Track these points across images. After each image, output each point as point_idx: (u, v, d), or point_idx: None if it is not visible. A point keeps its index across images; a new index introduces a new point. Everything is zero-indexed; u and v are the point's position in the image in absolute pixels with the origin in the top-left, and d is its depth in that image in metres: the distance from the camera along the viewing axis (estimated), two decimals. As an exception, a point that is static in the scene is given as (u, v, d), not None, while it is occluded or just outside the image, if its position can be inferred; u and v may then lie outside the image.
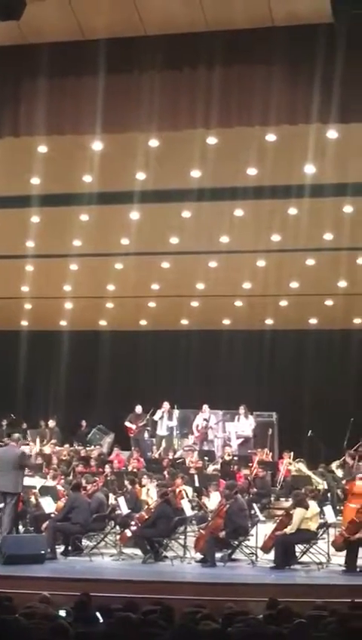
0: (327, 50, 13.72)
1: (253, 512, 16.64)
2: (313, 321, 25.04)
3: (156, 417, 23.64)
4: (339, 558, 15.47)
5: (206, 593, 12.79)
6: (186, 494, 17.65)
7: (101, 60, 14.58)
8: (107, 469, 19.66)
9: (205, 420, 23.39)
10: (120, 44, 14.75)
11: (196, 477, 19.16)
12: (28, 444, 23.19)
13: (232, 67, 14.41)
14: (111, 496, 17.63)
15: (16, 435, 17.64)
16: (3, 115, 15.37)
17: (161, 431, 23.64)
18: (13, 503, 16.02)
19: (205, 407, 23.41)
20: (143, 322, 26.16)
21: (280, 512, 17.23)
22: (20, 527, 17.32)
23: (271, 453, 22.36)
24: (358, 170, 17.45)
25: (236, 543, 15.91)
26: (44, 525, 16.52)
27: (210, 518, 16.28)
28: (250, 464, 20.60)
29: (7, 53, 15.12)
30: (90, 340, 26.27)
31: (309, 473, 19.67)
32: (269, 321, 25.18)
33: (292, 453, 21.28)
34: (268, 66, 14.23)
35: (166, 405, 23.51)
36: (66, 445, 23.81)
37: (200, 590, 13.38)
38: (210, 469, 20.40)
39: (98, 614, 8.34)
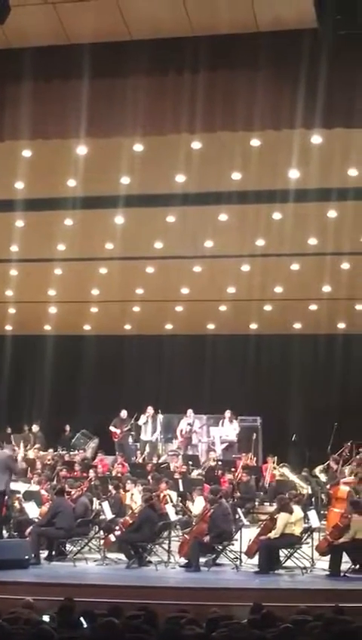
0: (311, 55, 13.76)
1: (237, 516, 16.64)
2: (297, 325, 25.07)
3: (140, 422, 23.63)
4: (323, 563, 15.50)
5: (190, 598, 12.79)
6: (170, 499, 17.64)
7: (86, 65, 14.58)
8: (91, 473, 19.63)
9: (189, 424, 23.40)
10: (105, 49, 14.75)
11: (180, 482, 19.15)
12: (14, 450, 23.16)
13: (217, 72, 14.44)
14: (96, 501, 17.61)
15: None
16: (-13, 120, 15.37)
17: (145, 436, 23.63)
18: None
19: (189, 411, 23.42)
20: (128, 327, 26.13)
21: (264, 517, 17.24)
22: (4, 532, 17.26)
23: (255, 458, 22.37)
24: (342, 176, 17.50)
25: (220, 547, 15.92)
26: (28, 530, 16.48)
27: (194, 523, 16.29)
28: (233, 469, 20.60)
29: (-9, 57, 15.11)
30: (74, 345, 26.22)
31: (293, 478, 19.70)
32: (253, 326, 25.18)
33: (276, 458, 21.31)
34: (253, 71, 14.26)
35: (150, 410, 23.50)
36: (50, 450, 23.76)
37: (184, 595, 13.37)
38: (195, 473, 20.40)
39: (82, 619, 8.33)
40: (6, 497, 16.70)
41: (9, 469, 16.49)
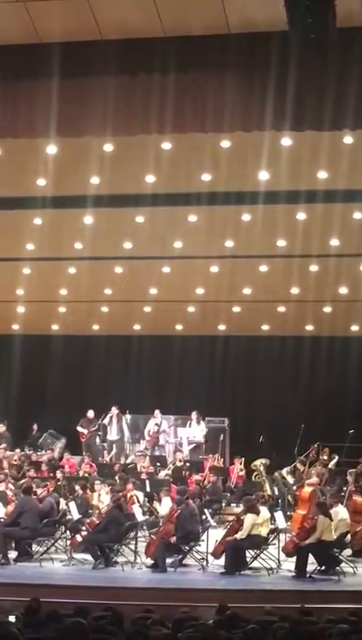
0: (282, 58, 13.82)
1: (204, 517, 16.64)
2: (265, 327, 25.12)
3: (105, 422, 23.59)
4: (289, 564, 15.54)
5: (156, 599, 12.78)
6: (137, 499, 17.62)
7: (56, 64, 14.55)
8: (58, 473, 19.56)
9: (157, 424, 23.39)
10: (75, 48, 14.74)
11: (147, 482, 19.14)
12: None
13: (187, 73, 14.47)
14: (62, 501, 17.55)
15: None
16: None
17: (111, 436, 23.60)
18: None
19: (157, 412, 23.41)
20: (96, 327, 26.07)
21: (231, 518, 17.25)
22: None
23: (222, 459, 22.40)
24: (311, 178, 17.58)
25: (187, 548, 15.91)
26: (-6, 530, 16.40)
27: (161, 524, 16.27)
28: (201, 470, 20.60)
29: None
30: (42, 344, 26.11)
31: (265, 478, 19.78)
32: (222, 327, 25.21)
33: (243, 459, 21.35)
34: (223, 72, 14.30)
35: (114, 410, 23.48)
36: (17, 450, 23.64)
37: (150, 596, 13.38)
38: (162, 474, 20.38)
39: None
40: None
41: None
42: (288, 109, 13.88)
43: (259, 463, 20.50)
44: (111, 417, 23.53)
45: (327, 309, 23.61)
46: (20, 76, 14.98)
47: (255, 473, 20.49)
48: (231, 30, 14.24)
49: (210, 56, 14.31)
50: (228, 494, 20.57)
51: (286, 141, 15.83)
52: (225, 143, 16.23)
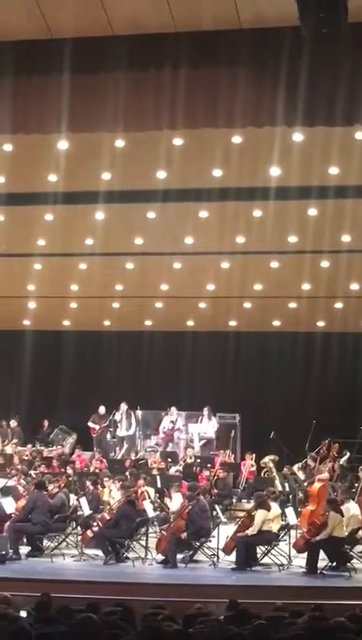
0: (294, 53, 13.76)
1: (214, 513, 16.66)
2: (276, 323, 25.10)
3: (116, 418, 23.62)
4: (300, 560, 15.55)
5: (167, 594, 12.79)
6: (148, 495, 17.64)
7: (67, 60, 14.53)
8: (69, 469, 19.60)
9: (172, 422, 23.39)
10: (87, 44, 14.72)
11: (158, 478, 19.15)
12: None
13: (198, 69, 14.43)
14: (73, 497, 17.59)
15: None
16: (-32, 114, 15.28)
17: (121, 432, 23.62)
18: None
19: (173, 409, 23.41)
20: (107, 323, 26.09)
21: (241, 514, 17.28)
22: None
23: (233, 455, 22.39)
24: (323, 173, 17.53)
25: (198, 544, 15.94)
26: (5, 526, 16.43)
27: (171, 520, 16.29)
28: (211, 466, 20.59)
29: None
30: (53, 340, 26.18)
31: (275, 474, 19.76)
32: (233, 323, 25.21)
33: (254, 455, 21.34)
34: (234, 68, 14.26)
35: (123, 406, 23.50)
36: (29, 445, 23.70)
37: (161, 591, 13.38)
38: (173, 470, 20.40)
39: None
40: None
41: None
42: (299, 105, 13.83)
43: (268, 460, 20.49)
44: (121, 413, 23.55)
45: (338, 305, 23.56)
46: (32, 72, 14.96)
47: (264, 470, 20.48)
48: (243, 25, 14.21)
49: (222, 52, 14.28)
50: (239, 490, 20.58)
51: (297, 136, 15.78)
52: (237, 139, 16.18)
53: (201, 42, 14.40)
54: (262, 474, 20.47)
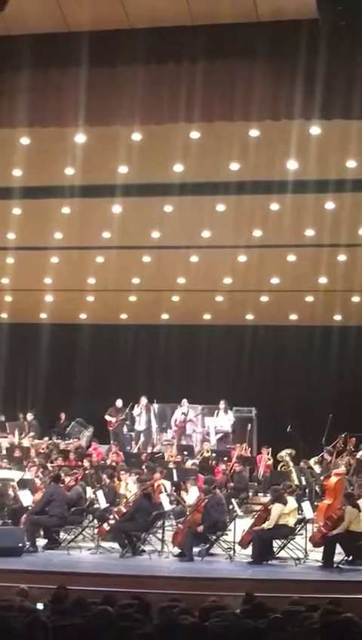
0: (311, 46, 13.73)
1: (231, 506, 16.65)
2: (293, 316, 25.07)
3: (135, 414, 23.64)
4: (317, 554, 15.52)
5: (183, 587, 12.80)
6: (164, 488, 17.66)
7: (84, 53, 14.55)
8: (85, 462, 19.64)
9: (183, 414, 23.40)
10: (104, 37, 14.72)
11: (174, 471, 19.17)
12: (6, 437, 23.20)
13: (216, 62, 14.41)
14: (90, 490, 17.62)
15: None
16: (-15, 107, 15.31)
17: (140, 426, 23.64)
18: None
19: (184, 401, 23.43)
20: (124, 316, 26.12)
21: (258, 507, 17.26)
22: (-2, 520, 17.32)
23: (249, 449, 22.38)
24: (340, 167, 17.47)
25: (214, 537, 15.93)
26: (23, 518, 16.49)
27: (188, 513, 16.30)
28: (228, 459, 20.60)
29: (-10, 45, 15.06)
30: (70, 333, 26.23)
31: (291, 468, 19.75)
32: (249, 317, 25.19)
33: (270, 449, 21.33)
34: (252, 61, 14.23)
35: (143, 400, 23.51)
36: (45, 438, 23.77)
37: (177, 584, 13.39)
38: (189, 463, 20.41)
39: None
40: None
41: None
42: (317, 98, 13.80)
43: (285, 454, 20.47)
44: (140, 407, 23.56)
45: (356, 299, 23.52)
46: (49, 65, 14.98)
47: (281, 464, 20.46)
48: (261, 18, 14.18)
49: (239, 45, 14.24)
50: (255, 484, 20.58)
51: (315, 130, 15.73)
52: (254, 132, 16.15)
53: (219, 35, 14.37)
54: (279, 468, 20.46)
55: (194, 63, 14.38)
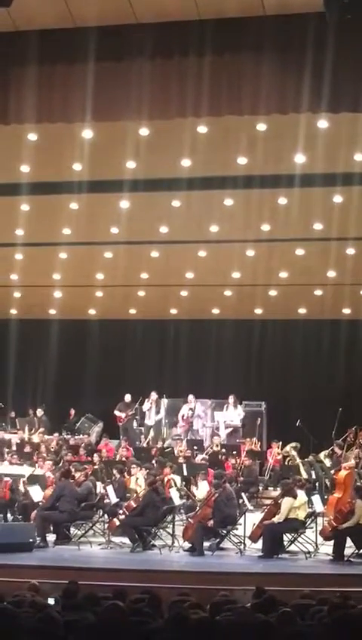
0: (317, 39, 13.72)
1: (241, 501, 16.67)
2: (302, 310, 25.04)
3: (145, 409, 23.65)
4: (327, 547, 15.53)
5: (193, 582, 12.82)
6: (175, 483, 17.67)
7: (91, 48, 14.55)
8: (95, 457, 19.66)
9: (191, 409, 23.39)
10: (110, 32, 14.72)
11: (184, 466, 19.17)
12: (16, 433, 23.23)
13: (223, 56, 14.39)
14: (100, 485, 17.65)
15: None
16: (-7, 103, 15.31)
17: (149, 421, 23.65)
18: None
19: (191, 397, 23.40)
20: (132, 311, 26.12)
21: (268, 502, 17.28)
22: (9, 515, 17.35)
23: (259, 443, 22.37)
24: (348, 160, 17.45)
25: (224, 532, 15.95)
26: (33, 514, 16.53)
27: (198, 507, 16.31)
28: (235, 452, 20.59)
29: (-3, 40, 15.07)
30: (79, 329, 26.23)
31: (299, 461, 19.72)
32: (258, 311, 25.17)
33: (280, 443, 21.31)
34: (259, 54, 14.21)
35: (153, 396, 23.51)
36: (55, 434, 23.80)
37: (187, 579, 13.41)
38: (199, 458, 20.41)
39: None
40: (9, 482, 16.98)
41: None
42: (324, 91, 13.77)
43: (290, 448, 20.43)
44: (151, 402, 23.57)
45: (365, 292, 23.49)
46: (56, 61, 14.98)
47: (287, 458, 20.44)
48: (267, 12, 14.16)
49: (246, 38, 14.23)
50: (265, 478, 20.57)
51: (322, 123, 15.72)
52: (261, 126, 16.15)
53: (225, 29, 14.36)
54: (286, 462, 20.45)
55: (201, 57, 14.36)
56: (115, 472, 17.89)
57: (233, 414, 23.21)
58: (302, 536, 15.73)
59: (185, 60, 14.47)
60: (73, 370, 25.89)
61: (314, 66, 13.75)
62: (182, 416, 23.38)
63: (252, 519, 16.34)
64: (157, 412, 23.61)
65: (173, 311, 25.75)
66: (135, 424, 24.01)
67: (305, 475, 18.63)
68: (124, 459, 19.96)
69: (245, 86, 14.33)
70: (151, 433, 23.32)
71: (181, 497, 17.37)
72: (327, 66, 13.65)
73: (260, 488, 19.92)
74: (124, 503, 16.56)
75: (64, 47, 14.91)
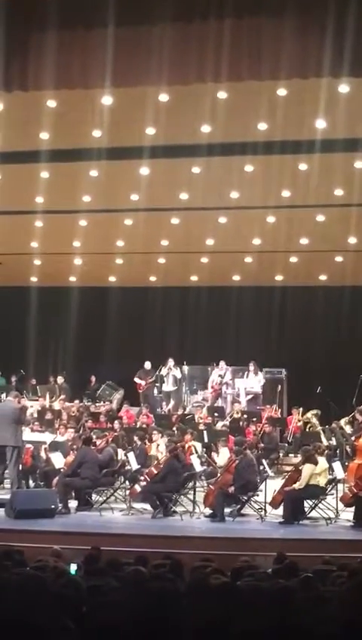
0: (339, 1, 13.51)
1: (261, 467, 16.70)
2: (323, 277, 24.96)
3: (163, 373, 23.69)
4: (348, 514, 15.55)
5: (214, 548, 12.90)
6: (195, 450, 17.72)
7: (111, 12, 14.34)
8: (116, 424, 19.74)
9: (220, 376, 23.41)
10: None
11: (205, 433, 19.23)
12: (37, 400, 23.35)
13: (242, 19, 14.18)
14: (121, 452, 17.72)
15: (14, 392, 17.90)
16: (11, 69, 15.10)
17: (167, 387, 23.69)
18: (16, 457, 16.29)
19: (222, 363, 23.41)
20: (153, 278, 26.11)
21: (289, 468, 17.31)
22: (31, 482, 17.47)
23: (279, 410, 22.40)
24: (369, 125, 17.29)
25: (245, 498, 16.00)
26: (55, 481, 16.63)
27: (219, 474, 16.36)
28: (255, 419, 20.63)
29: (16, 6, 14.88)
30: (99, 296, 26.26)
31: (319, 428, 19.75)
32: (279, 278, 25.10)
33: (301, 410, 21.32)
34: (280, 18, 13.99)
35: (170, 362, 23.55)
36: (76, 401, 23.90)
37: (208, 545, 13.49)
38: (219, 425, 20.46)
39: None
40: (31, 449, 17.06)
41: (19, 422, 16.80)
42: (346, 55, 13.56)
43: (311, 415, 20.47)
44: (167, 369, 23.61)
45: (386, 259, 23.36)
46: (75, 25, 14.80)
47: (308, 425, 20.45)
48: (288, -26, 13.97)
49: (267, 1, 14.04)
50: (286, 445, 20.61)
51: (343, 88, 15.55)
52: (282, 91, 15.98)
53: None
54: (306, 429, 20.47)
55: (221, 20, 14.15)
56: (135, 438, 17.96)
57: (253, 381, 23.24)
58: (322, 502, 15.75)
59: (205, 23, 14.26)
60: (93, 338, 25.95)
61: (335, 30, 13.54)
62: (212, 381, 23.40)
63: (272, 486, 16.38)
64: (175, 379, 23.66)
65: (194, 278, 25.72)
66: (155, 391, 24.08)
67: (325, 442, 18.65)
68: (144, 426, 20.02)
69: (265, 50, 14.12)
70: (172, 400, 23.38)
71: (202, 464, 17.42)
72: (349, 29, 13.44)
73: (281, 455, 19.96)
74: (145, 470, 16.63)
75: (83, 11, 14.71)
